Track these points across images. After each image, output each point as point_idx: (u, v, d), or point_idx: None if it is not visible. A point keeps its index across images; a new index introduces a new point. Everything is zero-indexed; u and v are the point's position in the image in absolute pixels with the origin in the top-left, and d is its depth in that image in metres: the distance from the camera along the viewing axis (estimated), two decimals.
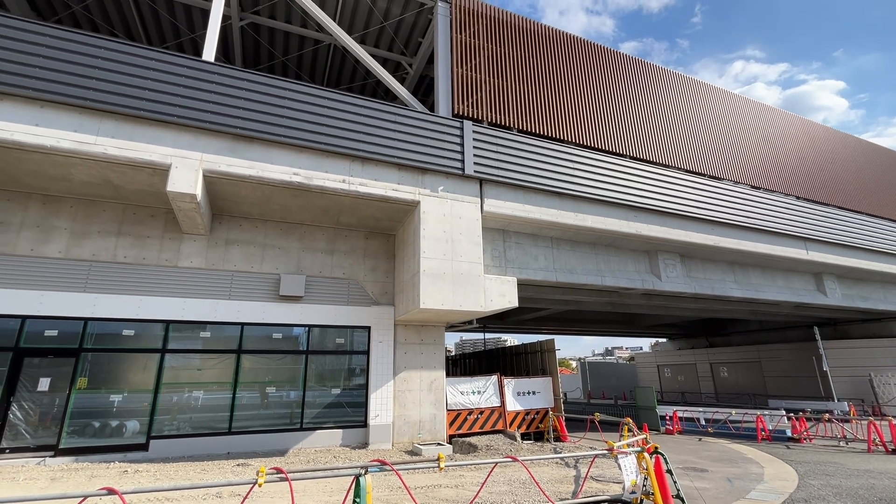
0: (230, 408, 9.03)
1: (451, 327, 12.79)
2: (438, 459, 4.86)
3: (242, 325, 9.45)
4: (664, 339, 36.97)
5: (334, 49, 13.67)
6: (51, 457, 7.84)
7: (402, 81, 14.72)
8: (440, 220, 9.62)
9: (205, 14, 12.07)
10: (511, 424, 11.56)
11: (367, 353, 10.27)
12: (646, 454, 5.67)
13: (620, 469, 5.60)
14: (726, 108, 16.50)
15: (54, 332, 8.38)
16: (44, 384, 8.24)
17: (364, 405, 9.97)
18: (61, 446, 7.99)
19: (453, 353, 32.74)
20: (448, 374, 11.06)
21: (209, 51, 9.08)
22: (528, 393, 12.22)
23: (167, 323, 8.99)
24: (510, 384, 12.09)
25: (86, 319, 8.52)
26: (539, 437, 11.93)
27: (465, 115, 10.89)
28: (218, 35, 9.49)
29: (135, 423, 8.57)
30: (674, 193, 12.79)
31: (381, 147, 9.49)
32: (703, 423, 14.69)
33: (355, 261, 10.85)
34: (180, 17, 12.51)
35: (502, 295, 9.94)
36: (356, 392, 10.17)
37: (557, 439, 11.72)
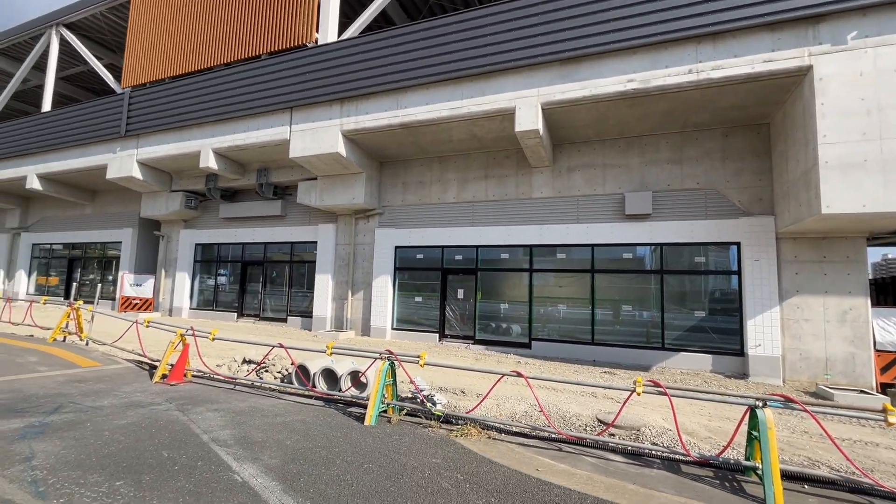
0: (591, 322, 9.79)
1: (875, 239, 9.01)
2: (885, 411, 3.52)
3: (592, 246, 9.84)
4: None
5: None
6: (472, 344, 10.92)
7: None
8: (852, 85, 6.56)
9: None
10: None
11: (738, 273, 8.66)
12: None
13: None
14: None
15: (460, 257, 11.36)
16: (460, 294, 11.43)
17: (738, 332, 8.59)
18: (476, 338, 10.98)
19: (871, 276, 23.48)
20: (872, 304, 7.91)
21: None
22: None
23: (530, 247, 10.48)
24: None
25: (476, 247, 11.08)
26: None
27: None
28: None
29: (517, 327, 10.68)
30: None
31: (737, 10, 7.22)
32: None
33: (711, 166, 9.09)
34: None
35: None
36: (723, 317, 8.87)
37: None
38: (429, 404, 5.15)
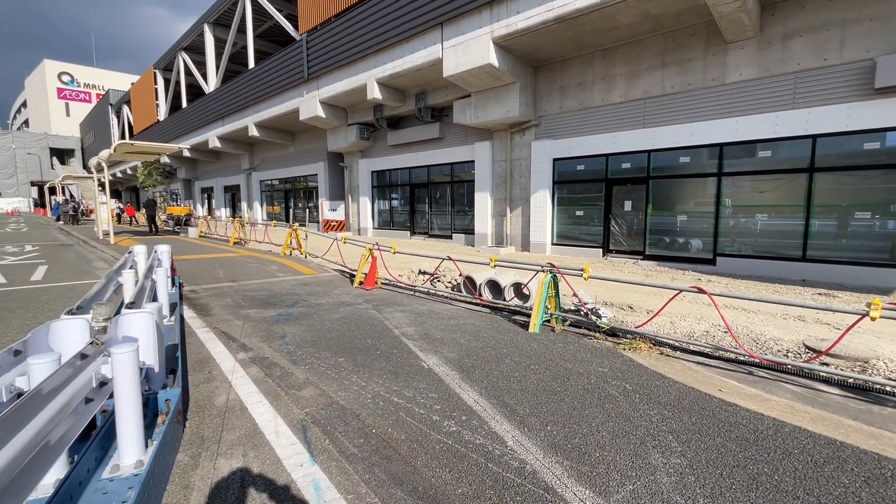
0: (803, 234, 7.95)
1: None
2: None
3: (813, 137, 7.64)
4: None
5: None
6: (641, 259, 10.12)
7: None
8: None
9: None
10: None
11: None
12: None
13: None
14: None
15: (628, 165, 10.21)
16: (627, 206, 10.46)
17: None
18: (646, 253, 10.10)
19: None
20: None
21: None
22: None
23: (720, 146, 8.73)
24: None
25: (648, 151, 9.75)
26: None
27: None
28: None
29: (698, 242, 9.38)
30: None
31: None
32: None
33: None
34: None
35: None
36: None
37: None
38: (593, 317, 5.08)
